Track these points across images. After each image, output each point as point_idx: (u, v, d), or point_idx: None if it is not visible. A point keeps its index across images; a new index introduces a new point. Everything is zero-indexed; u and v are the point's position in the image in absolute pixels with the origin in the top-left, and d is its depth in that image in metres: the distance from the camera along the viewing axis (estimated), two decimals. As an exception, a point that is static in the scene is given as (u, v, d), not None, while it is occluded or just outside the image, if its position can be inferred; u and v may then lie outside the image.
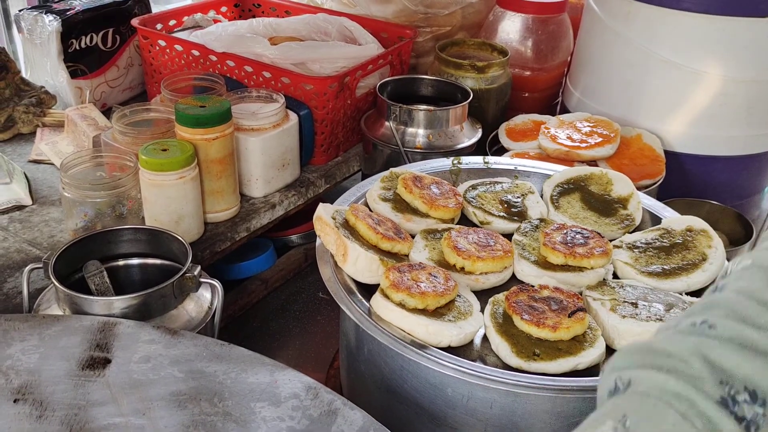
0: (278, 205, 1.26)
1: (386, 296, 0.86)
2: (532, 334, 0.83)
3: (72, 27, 1.42)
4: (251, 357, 0.76)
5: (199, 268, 0.87)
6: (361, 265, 0.91)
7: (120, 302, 0.82)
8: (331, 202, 1.08)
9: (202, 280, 0.87)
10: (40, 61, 1.45)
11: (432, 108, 1.30)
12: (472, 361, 0.83)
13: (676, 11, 1.35)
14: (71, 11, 1.42)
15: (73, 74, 1.45)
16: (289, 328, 1.24)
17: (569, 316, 0.84)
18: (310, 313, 1.28)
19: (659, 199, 1.44)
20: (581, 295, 0.93)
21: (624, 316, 0.85)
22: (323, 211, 0.97)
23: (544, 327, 0.82)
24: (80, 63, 1.46)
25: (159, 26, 1.54)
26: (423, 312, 0.85)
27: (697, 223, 1.02)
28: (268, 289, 1.31)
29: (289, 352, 1.19)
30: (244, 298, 1.26)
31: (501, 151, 1.44)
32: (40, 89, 1.44)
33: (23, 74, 1.48)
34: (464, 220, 1.10)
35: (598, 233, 1.01)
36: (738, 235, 1.44)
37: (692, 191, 1.48)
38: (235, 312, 1.25)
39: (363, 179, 1.41)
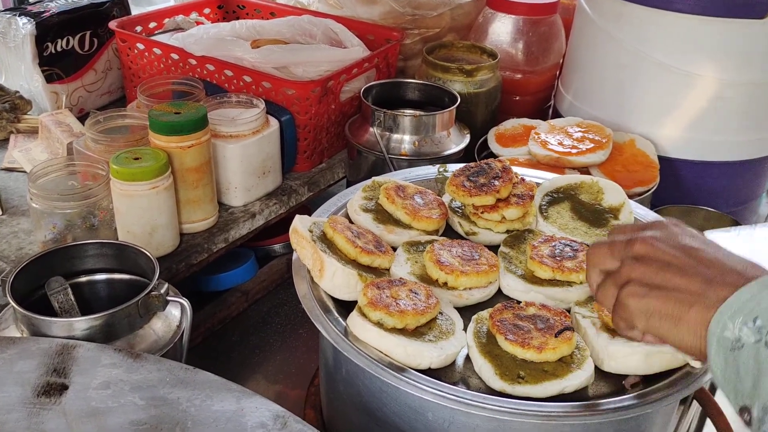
0: (258, 215, 1.22)
1: (363, 315, 0.82)
2: (517, 355, 0.79)
3: (47, 30, 1.38)
4: (217, 383, 0.72)
5: (166, 285, 0.83)
6: (338, 280, 0.86)
7: (80, 323, 0.77)
8: (315, 209, 1.04)
9: (169, 298, 0.82)
10: (15, 65, 1.40)
11: (418, 113, 1.26)
12: (454, 383, 0.79)
13: (669, 12, 1.31)
14: (46, 14, 1.38)
15: (49, 78, 1.41)
16: (270, 342, 1.19)
17: (556, 336, 0.79)
18: (292, 326, 1.24)
19: (653, 206, 1.40)
20: (570, 311, 0.89)
21: (614, 336, 0.81)
22: (300, 223, 0.92)
23: (529, 348, 0.78)
24: (56, 67, 1.41)
25: (138, 29, 1.50)
26: (402, 331, 0.81)
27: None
28: (248, 302, 1.26)
29: (270, 367, 1.15)
30: (223, 311, 1.22)
31: (490, 157, 1.39)
32: (15, 94, 1.40)
33: (-3, 79, 1.44)
34: (449, 231, 1.06)
35: (588, 245, 0.97)
36: (734, 243, 1.40)
37: (687, 198, 1.44)
38: (214, 325, 1.20)
39: (348, 186, 1.37)
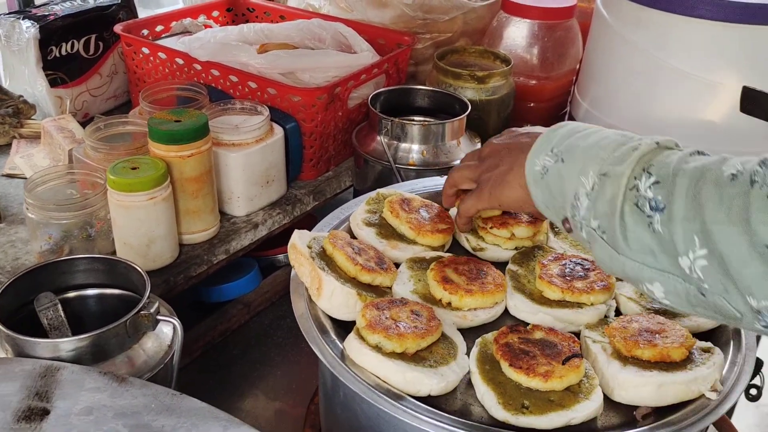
0: (261, 225, 1.19)
1: (362, 338, 0.78)
2: (522, 383, 0.75)
3: (51, 33, 1.35)
4: (204, 410, 0.68)
5: (157, 304, 0.79)
6: (337, 300, 0.83)
7: (66, 344, 0.74)
8: (322, 218, 1.01)
9: (160, 318, 0.79)
10: (18, 69, 1.38)
11: (426, 122, 1.22)
12: (455, 411, 0.75)
13: (691, 18, 1.26)
14: (51, 17, 1.36)
15: (53, 83, 1.38)
16: (270, 356, 1.16)
17: (563, 363, 0.75)
18: (294, 339, 1.20)
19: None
20: (580, 334, 0.84)
21: (626, 364, 0.77)
22: (298, 239, 0.89)
23: (534, 375, 0.74)
24: (60, 71, 1.39)
25: (145, 32, 1.47)
26: (401, 356, 0.77)
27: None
28: (250, 314, 1.23)
29: (270, 383, 1.12)
30: (224, 323, 1.19)
31: (502, 166, 1.35)
32: (18, 98, 1.37)
33: (1, 83, 1.42)
34: (456, 246, 1.02)
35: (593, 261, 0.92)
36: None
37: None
38: (215, 338, 1.17)
39: (355, 195, 1.34)
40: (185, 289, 1.08)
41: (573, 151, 0.70)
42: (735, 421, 1.21)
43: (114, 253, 1.06)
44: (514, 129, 0.89)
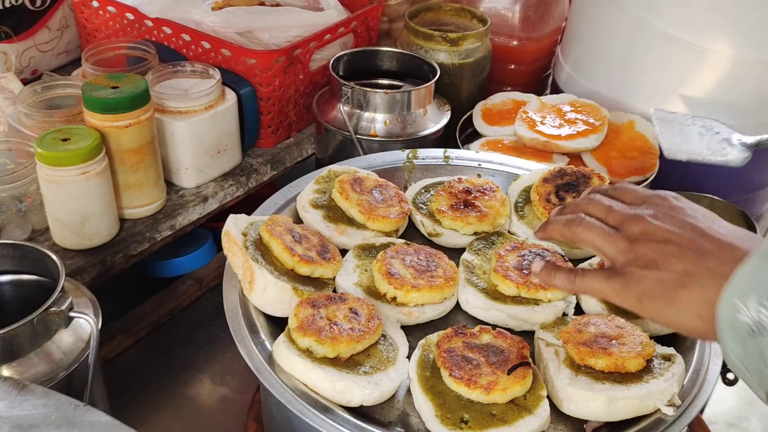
0: (211, 198, 1.12)
1: (292, 340, 0.72)
2: (462, 394, 0.69)
3: (-8, -16, 1.25)
4: (107, 425, 0.62)
5: (69, 299, 0.73)
6: (270, 295, 0.76)
7: (-36, 345, 0.68)
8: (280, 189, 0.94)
9: (73, 314, 0.73)
10: (-42, 22, 1.29)
11: (389, 90, 1.13)
12: (389, 423, 0.70)
13: (681, -20, 1.16)
14: (-9, -34, 1.25)
15: (-4, 37, 1.29)
16: (220, 338, 1.10)
17: (508, 374, 0.69)
18: (247, 318, 1.14)
19: (653, 193, 1.28)
20: (535, 335, 0.78)
21: (578, 373, 0.70)
22: (233, 225, 0.82)
23: (475, 387, 0.68)
24: (4, 25, 1.29)
25: (97, -18, 1.37)
26: (334, 361, 0.71)
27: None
28: (202, 290, 1.17)
29: (217, 366, 1.06)
30: (172, 301, 1.13)
31: (474, 135, 1.27)
32: (-41, 54, 1.28)
33: (-59, 37, 1.32)
34: (412, 230, 0.95)
35: (562, 255, 0.86)
36: (740, 236, 1.28)
37: (690, 184, 1.31)
38: (162, 317, 1.11)
39: (317, 164, 1.26)
40: (125, 268, 1.02)
41: None
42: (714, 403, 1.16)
43: (48, 228, 0.99)
44: (677, 198, 0.65)
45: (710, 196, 1.30)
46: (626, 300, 0.61)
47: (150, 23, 1.22)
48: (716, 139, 1.09)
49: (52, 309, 0.71)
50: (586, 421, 0.70)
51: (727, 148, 1.07)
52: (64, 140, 0.93)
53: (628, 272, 0.61)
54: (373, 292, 0.81)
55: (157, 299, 1.11)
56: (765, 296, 0.51)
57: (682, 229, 0.60)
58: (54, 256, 0.76)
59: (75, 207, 0.94)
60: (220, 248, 1.24)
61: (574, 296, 0.83)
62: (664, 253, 0.59)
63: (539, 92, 1.48)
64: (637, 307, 0.61)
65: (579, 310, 0.83)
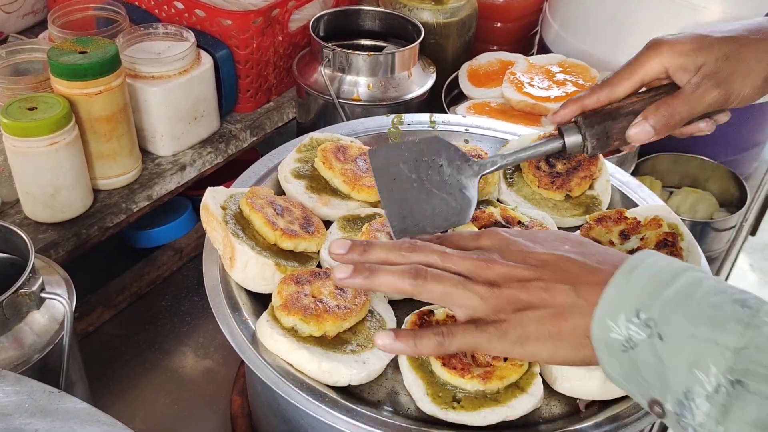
0: (189, 166, 1.08)
1: (276, 319, 0.69)
2: (458, 385, 0.66)
3: (-50, -61, 1.18)
4: (83, 412, 0.60)
5: (40, 280, 0.69)
6: (251, 272, 0.73)
7: (-71, 330, 0.65)
8: (265, 154, 0.90)
9: (45, 295, 0.69)
10: None
11: (372, 53, 1.09)
12: (378, 402, 0.68)
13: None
14: None
15: (-43, -3, 1.22)
16: (203, 308, 1.07)
17: (504, 359, 0.67)
18: (229, 289, 1.11)
19: (641, 155, 1.26)
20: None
21: (570, 348, 0.68)
22: (211, 198, 0.78)
23: (472, 377, 0.65)
24: (-36, -17, 1.23)
25: (63, -62, 1.30)
26: (320, 340, 0.68)
27: (666, 215, 0.83)
28: (182, 260, 1.13)
29: (200, 339, 1.03)
30: (152, 272, 1.09)
31: (460, 97, 1.23)
32: None
33: None
34: (398, 199, 0.91)
35: (541, 224, 0.83)
36: (730, 197, 1.26)
37: (680, 145, 1.29)
38: (142, 288, 1.08)
39: (298, 130, 1.22)
40: (102, 240, 0.98)
41: (673, 323, 0.50)
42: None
43: (19, 201, 0.95)
44: (507, 231, 0.63)
45: (700, 156, 1.28)
46: (504, 346, 0.57)
47: (120, -18, 1.16)
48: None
49: (21, 291, 0.68)
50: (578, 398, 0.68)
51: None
52: (31, 109, 0.88)
53: (502, 319, 0.57)
54: (359, 266, 0.78)
55: (137, 270, 1.08)
56: (632, 312, 0.52)
57: (537, 263, 0.58)
58: (23, 234, 0.72)
59: (45, 179, 0.90)
60: (199, 217, 1.21)
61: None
62: (533, 291, 0.57)
63: (526, 51, 1.44)
64: (517, 351, 0.57)
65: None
